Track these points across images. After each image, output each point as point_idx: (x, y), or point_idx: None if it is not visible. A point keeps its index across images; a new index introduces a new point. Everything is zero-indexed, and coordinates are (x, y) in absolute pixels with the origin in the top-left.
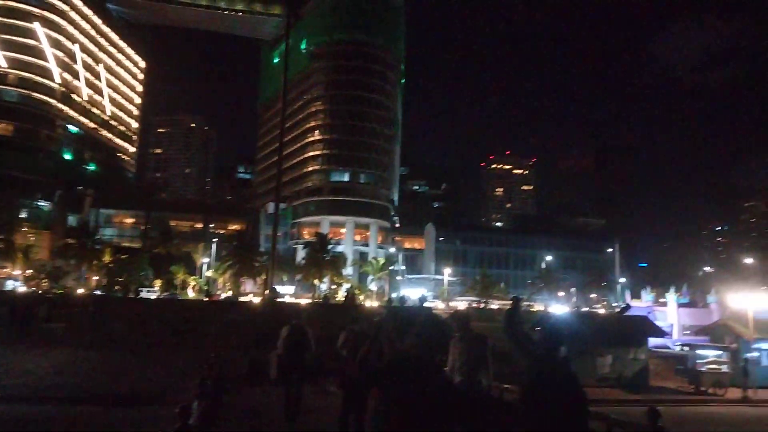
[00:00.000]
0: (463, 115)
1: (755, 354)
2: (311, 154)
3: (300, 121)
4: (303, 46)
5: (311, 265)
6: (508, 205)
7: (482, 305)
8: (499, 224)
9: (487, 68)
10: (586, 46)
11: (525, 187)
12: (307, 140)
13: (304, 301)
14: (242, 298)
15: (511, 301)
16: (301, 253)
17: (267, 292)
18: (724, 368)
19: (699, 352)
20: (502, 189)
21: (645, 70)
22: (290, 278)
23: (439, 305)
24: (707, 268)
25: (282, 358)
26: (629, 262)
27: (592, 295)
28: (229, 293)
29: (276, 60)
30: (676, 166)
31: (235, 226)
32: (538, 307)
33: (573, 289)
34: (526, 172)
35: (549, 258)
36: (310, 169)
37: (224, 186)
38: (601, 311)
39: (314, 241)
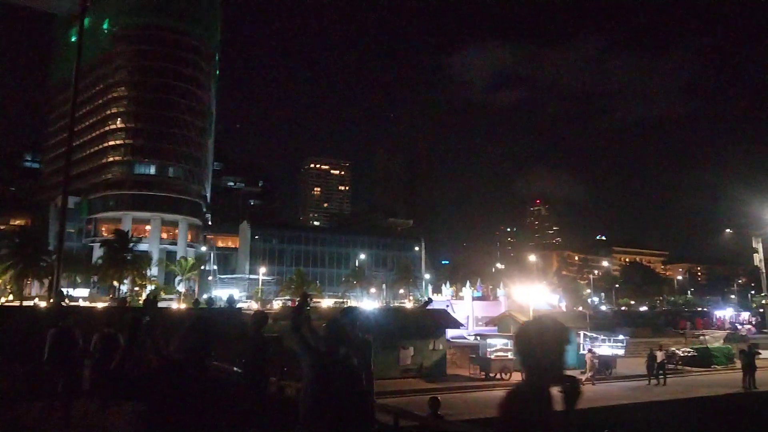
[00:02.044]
0: (284, 115)
1: None
2: (112, 143)
3: (100, 107)
4: (105, 26)
5: (110, 265)
6: (326, 205)
7: (297, 304)
8: (316, 223)
9: (310, 71)
10: (397, 56)
11: (342, 188)
12: (107, 128)
13: (100, 305)
14: (27, 303)
15: (299, 298)
16: (98, 252)
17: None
18: (510, 355)
19: (489, 341)
20: (319, 189)
21: (448, 86)
22: (85, 280)
23: (253, 305)
24: (499, 265)
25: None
26: (434, 259)
27: (401, 291)
28: (10, 297)
29: (73, 38)
30: (475, 173)
31: (18, 221)
32: (351, 303)
33: (383, 285)
34: (343, 173)
35: (362, 256)
36: (111, 159)
37: (7, 176)
38: (408, 306)
39: (113, 238)
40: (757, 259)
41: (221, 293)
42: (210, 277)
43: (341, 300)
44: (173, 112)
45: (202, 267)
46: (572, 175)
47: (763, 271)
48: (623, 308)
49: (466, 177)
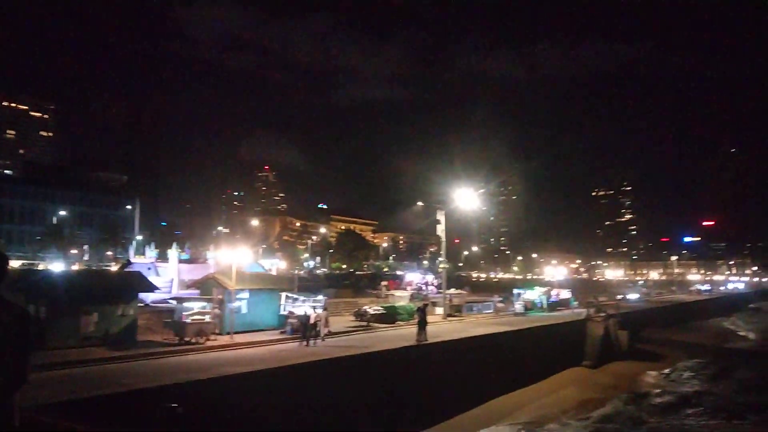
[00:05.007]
0: None
1: (237, 303)
2: None
3: None
4: None
5: None
6: (22, 151)
7: None
8: (7, 171)
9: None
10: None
11: (44, 133)
12: None
13: None
14: None
15: None
16: None
17: None
18: (207, 318)
19: (186, 304)
20: (14, 132)
21: (175, 40)
22: None
23: None
24: (222, 228)
25: None
26: (151, 220)
27: (108, 253)
28: None
29: None
30: (203, 133)
31: None
32: (43, 265)
33: (86, 247)
34: (47, 116)
35: (63, 213)
36: None
37: None
38: (115, 268)
39: None
40: (440, 229)
41: None
42: None
43: (31, 262)
44: None
45: None
46: (300, 144)
47: (443, 240)
48: (336, 272)
49: (194, 137)
